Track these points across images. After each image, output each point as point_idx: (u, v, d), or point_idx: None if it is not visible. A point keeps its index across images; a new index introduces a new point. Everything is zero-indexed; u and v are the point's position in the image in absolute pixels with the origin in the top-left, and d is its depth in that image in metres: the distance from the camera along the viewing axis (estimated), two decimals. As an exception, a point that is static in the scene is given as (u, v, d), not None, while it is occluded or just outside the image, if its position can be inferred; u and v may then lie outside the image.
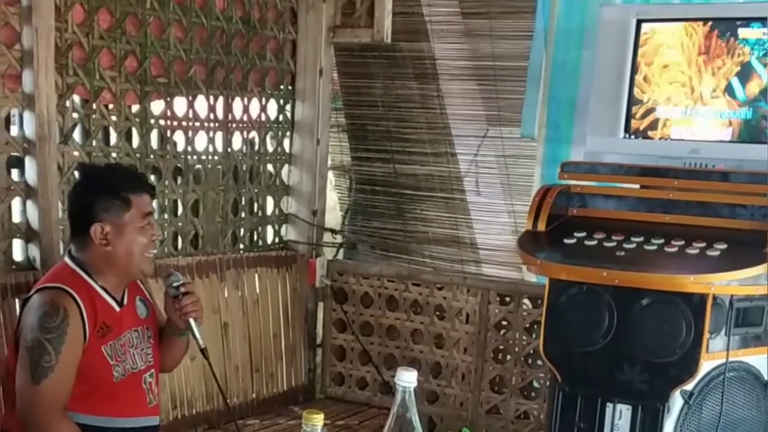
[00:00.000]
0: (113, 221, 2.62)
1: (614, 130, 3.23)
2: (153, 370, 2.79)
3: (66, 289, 2.55)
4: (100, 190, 2.65)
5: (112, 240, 2.62)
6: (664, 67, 3.18)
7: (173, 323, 2.79)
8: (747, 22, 3.02)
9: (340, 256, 5.06)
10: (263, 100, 4.52)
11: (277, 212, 4.71)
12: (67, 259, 2.69)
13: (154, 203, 3.97)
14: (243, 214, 4.51)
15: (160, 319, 2.88)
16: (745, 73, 3.03)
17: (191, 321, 2.75)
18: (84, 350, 2.55)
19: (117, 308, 2.67)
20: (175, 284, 2.76)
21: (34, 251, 3.48)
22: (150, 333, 2.79)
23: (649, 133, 3.21)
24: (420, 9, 4.60)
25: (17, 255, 3.50)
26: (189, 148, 4.15)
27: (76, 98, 3.67)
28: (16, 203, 3.50)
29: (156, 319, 2.86)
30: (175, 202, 4.16)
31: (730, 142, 3.07)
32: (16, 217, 3.50)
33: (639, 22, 3.19)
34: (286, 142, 4.70)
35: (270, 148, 4.63)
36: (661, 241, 2.91)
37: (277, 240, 4.73)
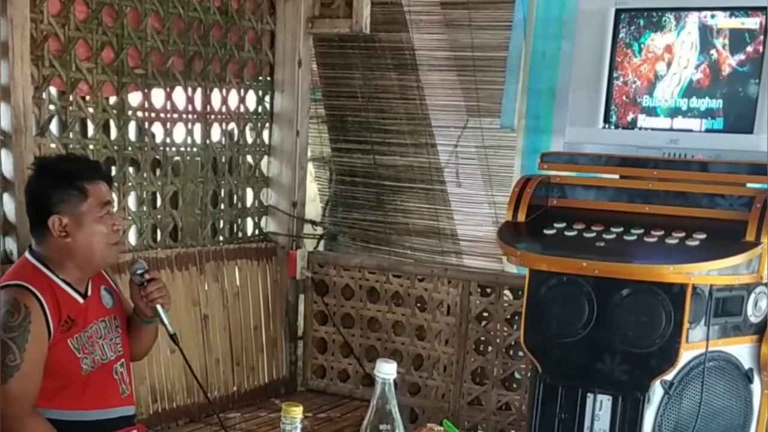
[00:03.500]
0: (71, 212, 2.59)
1: (593, 120, 3.23)
2: (123, 360, 2.77)
3: (27, 287, 2.53)
4: (56, 182, 2.62)
5: (71, 231, 2.59)
6: (643, 57, 3.18)
7: (141, 311, 2.78)
8: (727, 11, 3.02)
9: (321, 247, 5.05)
10: (242, 91, 4.49)
11: (256, 204, 4.70)
12: (27, 255, 2.66)
13: (132, 195, 3.97)
14: (222, 206, 4.49)
15: (127, 308, 2.86)
16: (725, 63, 3.03)
17: (158, 307, 2.74)
18: (50, 346, 2.54)
19: (81, 300, 2.65)
20: (139, 271, 2.75)
21: (11, 244, 3.46)
22: (117, 322, 2.77)
23: (629, 123, 3.21)
24: (399, -1, 4.60)
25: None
26: (167, 140, 4.12)
27: (53, 90, 3.64)
28: (-8, 196, 3.48)
29: (123, 307, 2.84)
30: (154, 194, 4.14)
31: (709, 131, 3.07)
32: (-8, 211, 3.48)
33: (618, 12, 3.19)
34: (266, 134, 4.68)
35: (249, 140, 4.61)
36: (641, 231, 2.92)
37: (257, 232, 4.71)
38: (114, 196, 2.78)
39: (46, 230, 2.60)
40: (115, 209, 2.73)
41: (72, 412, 2.59)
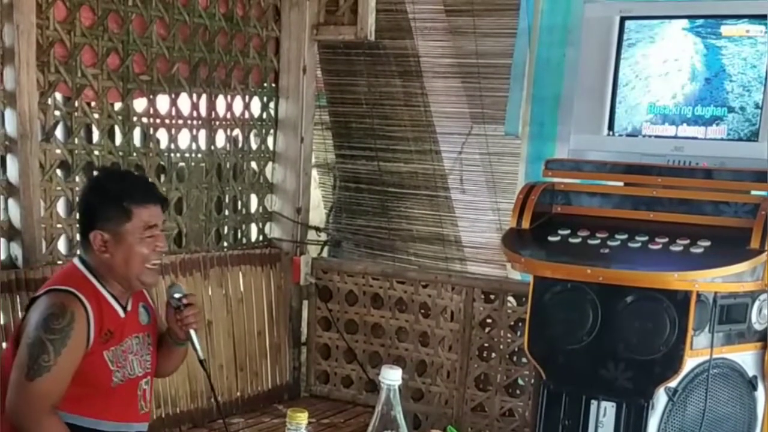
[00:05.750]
0: (113, 230, 2.61)
1: (598, 127, 3.23)
2: (149, 378, 2.79)
3: (76, 294, 2.55)
4: (103, 199, 2.64)
5: (111, 249, 2.61)
6: (648, 65, 3.18)
7: (174, 333, 2.80)
8: (731, 19, 3.03)
9: (325, 253, 5.05)
10: (247, 97, 4.51)
11: (261, 210, 4.70)
12: (77, 261, 2.69)
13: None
14: (227, 212, 4.50)
15: (160, 327, 2.88)
16: (729, 71, 3.03)
17: (192, 332, 2.77)
18: (86, 355, 2.55)
19: (122, 314, 2.68)
20: (176, 295, 2.77)
21: (16, 250, 3.47)
22: (150, 340, 2.79)
23: (633, 130, 3.21)
24: (404, 6, 4.60)
25: (-1, 254, 3.48)
26: (172, 146, 4.13)
27: (58, 96, 3.66)
28: (-3, 202, 3.49)
29: (156, 326, 2.86)
30: (159, 200, 4.14)
31: (714, 139, 3.07)
32: (-2, 216, 3.49)
33: (623, 20, 3.19)
34: (270, 140, 4.70)
35: (254, 146, 4.62)
36: (645, 238, 2.91)
37: (261, 238, 4.72)
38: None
39: (89, 242, 2.63)
40: (161, 230, 2.72)
41: (91, 420, 2.60)
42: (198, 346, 2.78)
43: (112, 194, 2.64)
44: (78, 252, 2.73)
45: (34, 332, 2.50)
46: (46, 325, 2.50)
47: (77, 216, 2.77)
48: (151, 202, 2.68)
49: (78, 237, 2.76)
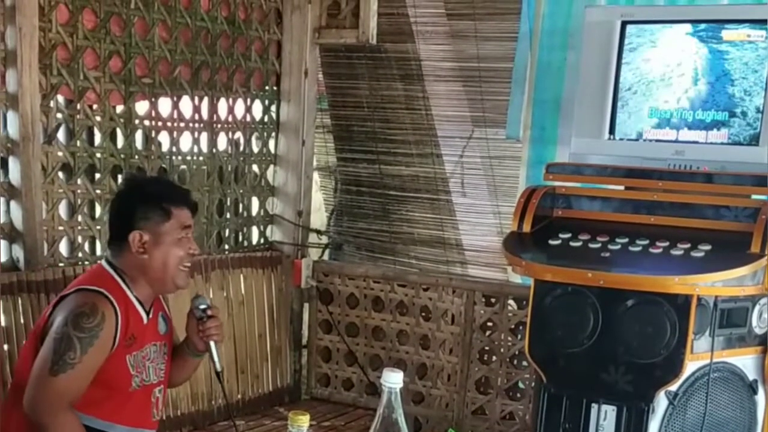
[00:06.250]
0: (152, 230, 2.64)
1: (599, 131, 3.24)
2: (162, 386, 2.80)
3: (107, 295, 2.57)
4: (142, 199, 2.68)
5: (149, 249, 2.64)
6: (649, 69, 3.18)
7: (193, 344, 2.82)
8: (731, 23, 3.03)
9: (326, 256, 5.05)
10: (248, 100, 4.51)
11: (262, 213, 4.71)
12: (105, 264, 2.70)
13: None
14: (228, 215, 4.51)
15: (174, 338, 2.89)
16: (729, 76, 3.04)
17: (212, 344, 2.78)
18: (109, 357, 2.57)
19: (145, 320, 2.69)
20: (201, 306, 2.78)
21: (18, 252, 3.47)
22: (166, 350, 2.81)
23: (634, 134, 3.22)
24: (405, 10, 4.60)
25: (0, 255, 3.48)
26: (174, 149, 4.14)
27: (60, 98, 3.67)
28: (-1, 204, 3.50)
29: (172, 336, 2.87)
30: (160, 202, 4.14)
31: (715, 144, 3.08)
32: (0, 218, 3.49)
33: (624, 24, 3.20)
34: (272, 143, 4.70)
35: (255, 149, 4.63)
36: (646, 242, 2.92)
37: (262, 241, 4.72)
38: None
39: (125, 244, 2.65)
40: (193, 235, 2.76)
41: (105, 423, 2.61)
42: (216, 358, 2.80)
43: (152, 195, 2.69)
44: (106, 256, 2.74)
45: (62, 329, 2.51)
46: (76, 322, 2.51)
47: (110, 219, 2.77)
48: (185, 204, 2.73)
49: (108, 240, 2.76)
